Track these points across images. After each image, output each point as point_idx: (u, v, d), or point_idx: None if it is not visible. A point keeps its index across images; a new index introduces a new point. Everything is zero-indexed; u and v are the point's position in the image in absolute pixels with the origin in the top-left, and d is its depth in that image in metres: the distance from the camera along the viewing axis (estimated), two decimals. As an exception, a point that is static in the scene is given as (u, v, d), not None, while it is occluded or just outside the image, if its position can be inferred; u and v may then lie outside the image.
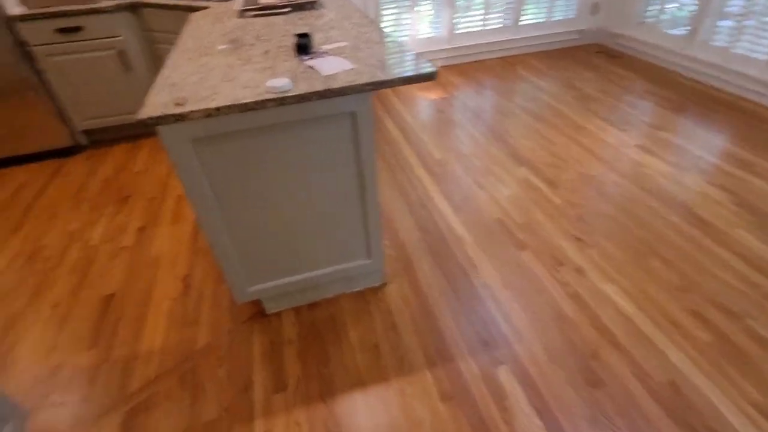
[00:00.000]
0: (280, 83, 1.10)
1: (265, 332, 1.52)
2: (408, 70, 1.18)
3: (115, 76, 2.65)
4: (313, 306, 1.60)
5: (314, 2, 2.01)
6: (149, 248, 1.96)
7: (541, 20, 3.90)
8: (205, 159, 1.15)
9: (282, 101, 1.09)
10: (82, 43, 2.49)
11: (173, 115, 1.04)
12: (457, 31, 3.75)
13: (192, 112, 1.04)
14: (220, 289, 1.71)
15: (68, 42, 2.46)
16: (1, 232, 2.11)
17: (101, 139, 2.94)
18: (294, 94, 1.09)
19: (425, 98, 3.27)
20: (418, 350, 1.42)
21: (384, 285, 1.67)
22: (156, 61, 2.75)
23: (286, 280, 1.48)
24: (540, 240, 1.84)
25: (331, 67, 1.23)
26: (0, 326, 1.63)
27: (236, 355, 1.45)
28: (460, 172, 2.33)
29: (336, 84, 1.12)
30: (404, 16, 3.57)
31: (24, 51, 2.41)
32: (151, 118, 1.02)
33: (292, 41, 1.52)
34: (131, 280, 1.79)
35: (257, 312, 1.60)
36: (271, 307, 1.58)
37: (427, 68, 1.17)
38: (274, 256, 1.41)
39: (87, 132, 2.87)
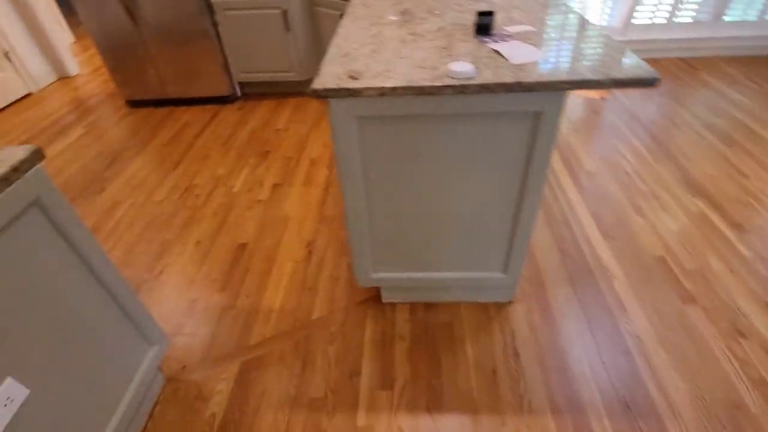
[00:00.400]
0: (463, 68, 0.97)
1: (378, 320, 1.48)
2: (621, 70, 0.95)
3: (275, 35, 2.77)
4: (429, 306, 1.51)
5: (492, -24, 1.81)
6: (281, 206, 2.04)
7: (751, 18, 3.14)
8: (365, 138, 1.09)
9: (462, 89, 0.96)
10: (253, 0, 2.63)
11: (347, 89, 0.98)
12: (635, 21, 3.21)
13: (366, 89, 0.97)
14: (340, 263, 1.71)
15: (243, -2, 2.63)
16: (165, 165, 2.40)
17: (252, 92, 3.15)
18: (477, 83, 0.95)
19: (579, 95, 2.88)
20: (541, 390, 1.25)
21: (510, 303, 1.50)
22: (314, 24, 2.81)
23: (411, 274, 1.40)
24: (715, 297, 1.48)
25: (521, 54, 1.05)
26: (156, 250, 1.84)
27: (348, 337, 1.43)
28: (614, 190, 2.00)
29: (528, 77, 0.95)
30: (575, -2, 3.15)
31: (207, 3, 2.63)
32: (326, 90, 0.98)
33: (469, 18, 1.37)
34: (262, 233, 1.89)
35: (373, 297, 1.56)
36: (387, 297, 1.53)
37: (646, 72, 0.94)
38: (406, 248, 1.34)
39: (241, 84, 3.10)
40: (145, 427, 1.22)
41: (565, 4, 1.49)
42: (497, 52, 1.09)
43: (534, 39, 1.17)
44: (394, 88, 0.96)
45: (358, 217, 1.24)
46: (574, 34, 1.19)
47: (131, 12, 2.63)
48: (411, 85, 0.96)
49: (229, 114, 2.90)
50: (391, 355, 1.37)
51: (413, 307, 1.52)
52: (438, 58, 1.09)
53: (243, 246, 1.83)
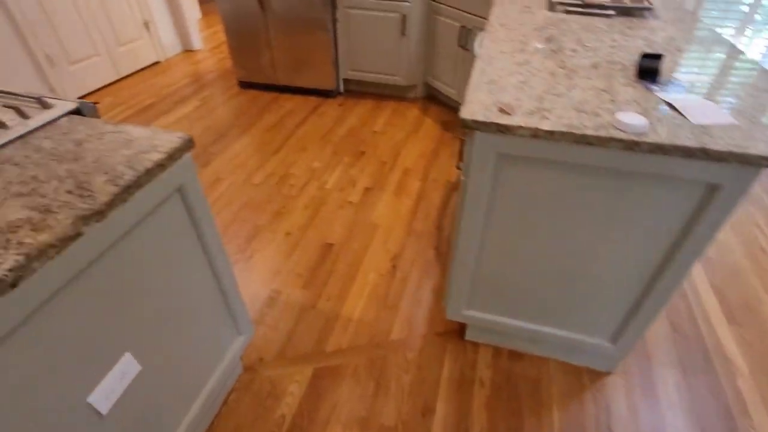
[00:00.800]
0: (635, 122, 0.85)
1: (457, 358, 1.40)
2: (840, 154, 0.79)
3: (389, 38, 2.76)
4: (515, 355, 1.41)
5: (650, 9, 1.64)
6: (370, 211, 2.03)
7: None
8: (501, 176, 1.01)
9: (631, 145, 0.85)
10: (377, 1, 2.64)
11: (497, 125, 0.91)
12: (792, 73, 2.79)
13: (520, 127, 0.89)
14: (423, 285, 1.65)
15: (366, -2, 2.65)
16: (266, 149, 2.48)
17: (354, 90, 3.19)
18: (651, 141, 0.83)
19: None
20: (637, 486, 1.10)
21: (608, 374, 1.35)
22: (429, 32, 2.76)
23: (506, 320, 1.31)
24: None
25: (703, 113, 0.92)
26: (249, 232, 1.90)
27: (424, 368, 1.37)
28: (745, 267, 1.74)
29: (716, 144, 0.82)
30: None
31: (332, -1, 2.69)
32: (475, 121, 0.91)
33: (626, 57, 1.23)
34: (349, 237, 1.88)
35: (454, 330, 1.48)
36: (471, 335, 1.44)
37: None
38: (508, 293, 1.24)
39: (345, 80, 3.14)
40: (220, 412, 1.25)
41: (735, 47, 1.30)
42: (671, 105, 0.96)
43: (712, 93, 1.02)
44: (551, 132, 0.88)
45: (467, 251, 1.17)
46: (761, 91, 1.02)
47: (261, -2, 2.75)
48: (571, 132, 0.87)
49: (329, 108, 2.95)
50: (468, 400, 1.29)
51: (497, 351, 1.42)
52: (599, 102, 0.98)
53: (330, 246, 1.83)
